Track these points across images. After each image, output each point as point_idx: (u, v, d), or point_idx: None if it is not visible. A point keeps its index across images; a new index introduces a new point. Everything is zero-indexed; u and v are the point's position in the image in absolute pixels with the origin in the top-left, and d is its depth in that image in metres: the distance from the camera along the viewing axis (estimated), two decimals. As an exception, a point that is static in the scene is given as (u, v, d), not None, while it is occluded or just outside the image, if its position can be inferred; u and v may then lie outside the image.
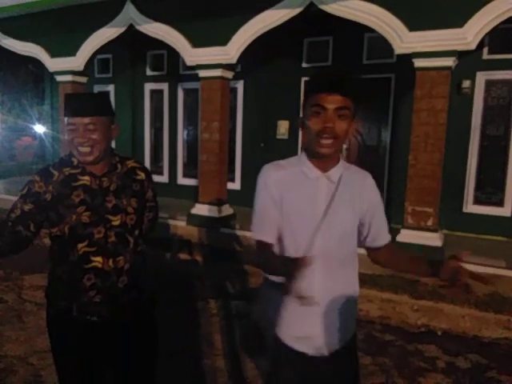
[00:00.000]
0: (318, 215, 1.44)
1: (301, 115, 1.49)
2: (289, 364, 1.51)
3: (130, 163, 1.75)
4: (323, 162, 1.45)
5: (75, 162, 1.64)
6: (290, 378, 1.51)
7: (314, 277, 1.44)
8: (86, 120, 1.56)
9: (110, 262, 1.61)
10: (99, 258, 1.59)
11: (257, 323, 1.65)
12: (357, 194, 1.52)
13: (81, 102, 1.60)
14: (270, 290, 1.54)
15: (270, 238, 1.49)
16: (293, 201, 1.46)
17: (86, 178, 1.63)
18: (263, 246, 1.49)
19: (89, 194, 1.61)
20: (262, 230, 1.50)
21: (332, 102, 1.34)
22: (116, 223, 1.62)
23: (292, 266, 1.20)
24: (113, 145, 1.74)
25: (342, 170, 1.50)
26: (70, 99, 1.61)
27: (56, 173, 1.63)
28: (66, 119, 1.60)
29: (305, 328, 1.48)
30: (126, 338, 1.69)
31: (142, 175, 1.75)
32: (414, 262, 1.59)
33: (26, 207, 1.58)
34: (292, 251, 1.45)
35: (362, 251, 1.71)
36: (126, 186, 1.68)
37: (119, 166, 1.71)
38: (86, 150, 1.58)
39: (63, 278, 1.61)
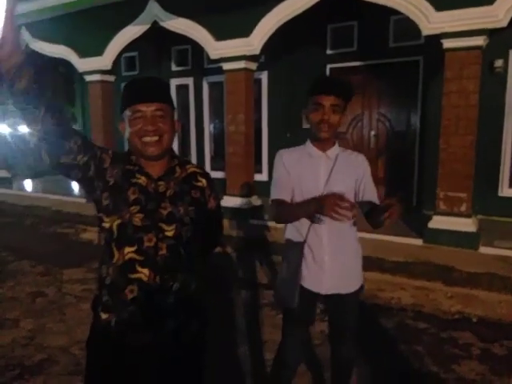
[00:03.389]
0: (321, 184, 1.91)
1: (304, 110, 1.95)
2: (306, 301, 1.96)
3: (191, 168, 1.55)
4: (322, 144, 1.94)
5: (134, 159, 1.46)
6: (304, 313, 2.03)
7: (323, 236, 1.92)
8: (156, 106, 1.38)
9: (158, 277, 1.39)
10: (146, 271, 1.38)
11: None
12: (351, 168, 1.96)
13: (148, 86, 1.42)
14: (288, 249, 2.01)
15: (285, 197, 1.94)
16: (301, 174, 1.94)
17: (143, 178, 1.44)
18: (280, 203, 1.93)
19: (144, 196, 1.41)
20: (279, 192, 1.95)
21: (327, 100, 1.83)
22: (170, 234, 1.40)
23: (318, 201, 1.67)
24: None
25: (337, 150, 1.98)
26: (133, 84, 1.43)
27: (120, 163, 1.46)
28: (126, 112, 1.41)
29: (313, 271, 1.95)
30: (165, 373, 1.46)
31: (204, 182, 1.54)
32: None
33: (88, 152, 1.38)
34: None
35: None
36: (185, 192, 1.47)
37: (178, 169, 1.51)
38: (155, 138, 1.38)
39: (106, 280, 1.42)
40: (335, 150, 1.97)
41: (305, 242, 1.93)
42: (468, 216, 4.82)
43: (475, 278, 4.02)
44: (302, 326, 2.09)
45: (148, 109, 1.38)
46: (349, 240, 1.99)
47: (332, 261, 1.93)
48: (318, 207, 1.65)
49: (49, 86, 1.29)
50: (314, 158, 1.96)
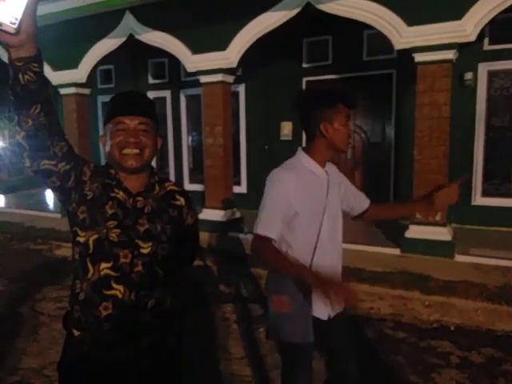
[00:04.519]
0: (324, 202, 1.80)
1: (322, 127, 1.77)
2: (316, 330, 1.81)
3: (169, 186, 1.53)
4: (323, 160, 1.81)
5: (113, 173, 1.43)
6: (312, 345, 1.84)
7: (327, 260, 1.79)
8: (140, 119, 1.38)
9: (133, 294, 1.37)
10: (121, 287, 1.36)
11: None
12: (338, 180, 1.92)
13: (133, 99, 1.44)
14: (287, 282, 1.78)
15: (274, 235, 1.71)
16: (306, 196, 1.74)
17: (121, 193, 1.42)
18: (266, 242, 1.69)
19: (122, 211, 1.40)
20: (269, 226, 1.70)
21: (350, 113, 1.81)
22: (145, 251, 1.39)
23: (307, 276, 1.52)
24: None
25: (328, 165, 1.89)
26: (118, 98, 1.45)
27: (99, 176, 1.43)
28: (109, 124, 1.41)
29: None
30: None
31: (182, 200, 1.53)
32: (402, 205, 2.03)
33: (70, 162, 1.32)
34: (308, 237, 1.78)
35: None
36: (163, 210, 1.46)
37: (157, 187, 1.49)
38: (135, 151, 1.37)
39: (80, 296, 1.39)
40: (328, 164, 1.88)
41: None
42: (443, 225, 4.91)
43: (452, 287, 4.09)
44: (311, 356, 1.91)
45: (131, 122, 1.38)
46: (341, 255, 1.93)
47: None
48: (322, 288, 1.44)
49: (48, 87, 1.22)
50: (317, 176, 1.80)
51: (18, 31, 1.04)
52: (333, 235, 1.83)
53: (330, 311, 1.83)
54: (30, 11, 1.05)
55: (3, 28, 1.01)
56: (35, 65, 1.15)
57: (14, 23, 1.02)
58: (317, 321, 1.82)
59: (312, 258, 1.77)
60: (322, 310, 1.80)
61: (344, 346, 1.97)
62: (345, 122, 1.76)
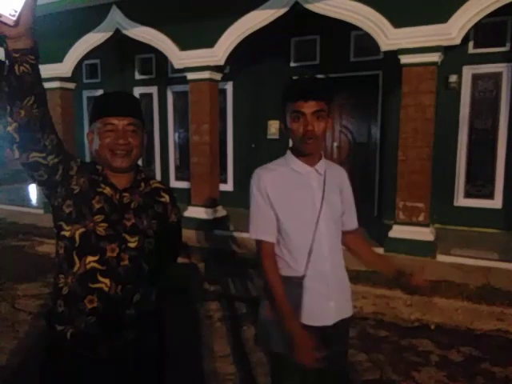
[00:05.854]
0: (318, 203, 1.65)
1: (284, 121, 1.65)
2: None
3: (154, 183, 1.57)
4: (310, 158, 1.64)
5: (100, 169, 1.45)
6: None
7: (326, 265, 1.66)
8: (128, 120, 1.40)
9: (119, 288, 1.38)
10: (107, 281, 1.37)
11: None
12: (339, 184, 1.76)
13: (121, 100, 1.45)
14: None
15: (269, 237, 1.63)
16: (292, 197, 1.63)
17: (108, 189, 1.43)
18: (268, 248, 1.63)
19: (108, 206, 1.41)
20: (260, 229, 1.63)
21: (308, 107, 1.54)
22: (132, 245, 1.41)
23: (294, 331, 1.50)
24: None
25: (325, 164, 1.72)
26: (106, 97, 1.47)
27: (86, 172, 1.45)
28: (96, 123, 1.41)
29: (319, 304, 1.68)
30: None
31: (166, 198, 1.56)
32: (381, 259, 1.94)
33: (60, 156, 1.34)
34: (300, 241, 1.63)
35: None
36: (148, 206, 1.49)
37: (143, 184, 1.52)
38: (123, 152, 1.40)
39: (63, 290, 1.39)
40: (323, 163, 1.70)
41: (304, 276, 1.64)
42: (426, 225, 4.98)
43: (433, 286, 4.15)
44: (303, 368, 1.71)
45: (120, 122, 1.40)
46: (342, 260, 1.78)
47: (337, 287, 1.71)
48: (293, 338, 1.49)
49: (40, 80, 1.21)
50: (302, 175, 1.65)
51: (16, 23, 1.07)
52: (332, 240, 1.68)
53: (329, 314, 1.69)
54: (30, 5, 1.07)
55: (2, 19, 1.04)
56: (31, 57, 1.18)
57: (14, 15, 1.05)
58: (316, 329, 1.64)
59: (307, 264, 1.63)
60: (316, 314, 1.67)
61: (342, 349, 1.86)
62: (294, 119, 1.55)
